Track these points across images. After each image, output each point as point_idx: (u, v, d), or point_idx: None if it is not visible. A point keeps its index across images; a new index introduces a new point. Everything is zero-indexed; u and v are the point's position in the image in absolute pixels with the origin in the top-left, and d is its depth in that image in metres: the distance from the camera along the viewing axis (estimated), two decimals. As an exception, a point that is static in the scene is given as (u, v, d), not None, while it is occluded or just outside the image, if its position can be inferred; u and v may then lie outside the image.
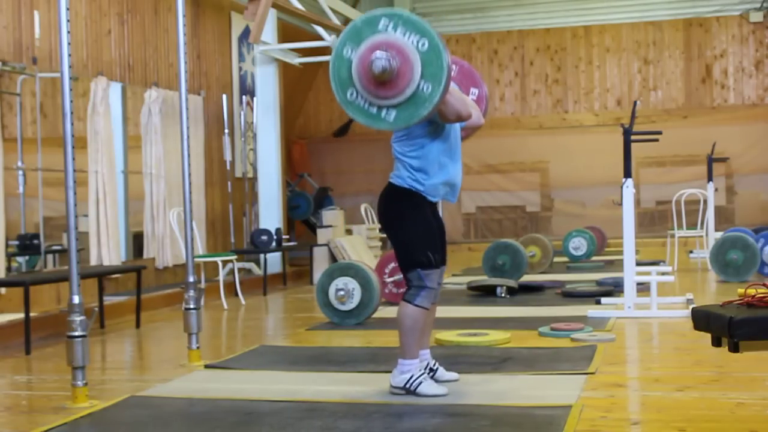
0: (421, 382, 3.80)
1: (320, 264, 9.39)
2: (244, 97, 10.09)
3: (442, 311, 6.66)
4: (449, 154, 3.83)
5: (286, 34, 10.89)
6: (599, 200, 13.81)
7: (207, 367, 4.69)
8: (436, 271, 3.83)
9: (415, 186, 3.78)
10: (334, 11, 10.34)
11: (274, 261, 9.71)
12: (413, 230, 3.80)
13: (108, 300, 6.83)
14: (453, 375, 4.07)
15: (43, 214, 6.89)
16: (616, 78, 14.30)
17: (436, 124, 3.76)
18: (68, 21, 3.84)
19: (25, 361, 5.19)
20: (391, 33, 3.42)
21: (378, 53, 3.38)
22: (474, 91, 4.31)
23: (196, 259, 7.16)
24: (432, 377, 3.97)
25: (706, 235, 9.79)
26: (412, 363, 3.82)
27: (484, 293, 7.50)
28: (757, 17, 13.78)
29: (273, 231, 9.20)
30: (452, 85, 3.71)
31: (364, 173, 13.87)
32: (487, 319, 6.07)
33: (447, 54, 3.42)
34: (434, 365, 4.04)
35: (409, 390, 3.80)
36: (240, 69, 10.15)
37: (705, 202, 9.82)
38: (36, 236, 6.84)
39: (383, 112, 3.47)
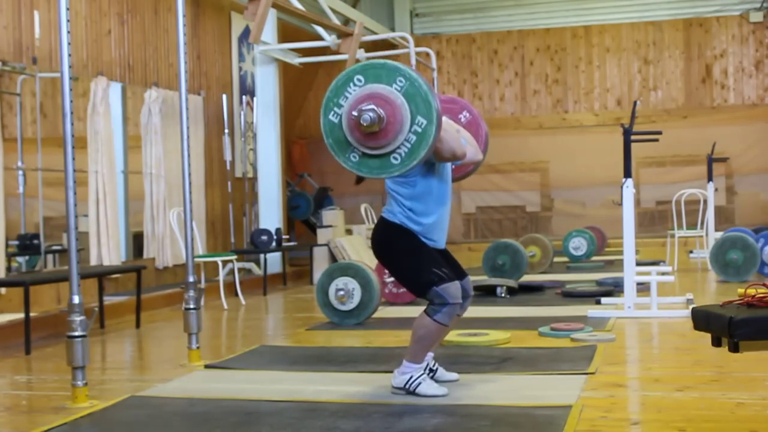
0: (420, 383, 3.80)
1: (320, 264, 9.39)
2: (244, 97, 10.08)
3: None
4: (440, 197, 3.85)
5: (286, 34, 10.88)
6: (599, 200, 13.81)
7: (207, 367, 4.69)
8: (454, 284, 3.78)
9: (407, 224, 3.81)
10: (334, 11, 10.33)
11: (274, 261, 9.71)
12: (411, 258, 3.82)
13: (108, 300, 6.83)
14: (453, 375, 4.07)
15: (43, 214, 6.89)
16: (616, 78, 14.30)
17: (428, 164, 3.78)
18: (68, 21, 3.85)
19: (25, 361, 5.19)
20: (368, 85, 3.42)
21: (363, 106, 3.38)
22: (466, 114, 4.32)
23: (196, 259, 7.16)
24: (432, 377, 3.97)
25: (706, 235, 9.79)
26: (416, 368, 3.84)
27: (484, 293, 7.50)
28: (757, 17, 13.78)
29: (273, 231, 9.20)
30: (445, 123, 3.72)
31: (364, 173, 13.85)
32: (487, 319, 6.07)
33: (426, 85, 3.41)
34: (434, 365, 4.04)
35: (408, 390, 3.81)
36: (240, 69, 10.15)
37: (705, 202, 9.82)
38: (36, 236, 6.84)
39: (353, 155, 3.47)
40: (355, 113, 3.39)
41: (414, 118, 3.39)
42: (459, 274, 3.97)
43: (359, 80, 3.45)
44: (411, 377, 3.81)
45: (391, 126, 3.38)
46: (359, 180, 4.03)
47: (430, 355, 4.06)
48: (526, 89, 14.58)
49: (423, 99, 3.39)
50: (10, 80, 6.66)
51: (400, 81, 3.40)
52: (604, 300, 6.61)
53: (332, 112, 3.49)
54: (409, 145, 3.41)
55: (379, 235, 3.90)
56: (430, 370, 4.02)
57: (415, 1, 14.88)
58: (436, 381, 3.95)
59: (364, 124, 3.36)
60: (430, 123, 3.38)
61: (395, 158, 3.43)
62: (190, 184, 4.85)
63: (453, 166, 4.07)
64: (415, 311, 6.52)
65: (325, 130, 3.51)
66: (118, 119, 8.02)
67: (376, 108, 3.37)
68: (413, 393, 3.80)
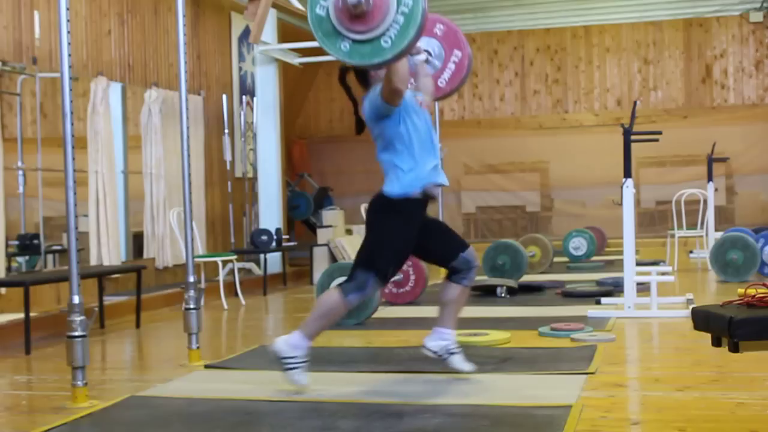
0: (295, 368, 3.86)
1: (320, 264, 9.39)
2: (244, 97, 10.09)
3: (442, 311, 6.67)
4: (427, 146, 3.90)
5: (286, 34, 10.88)
6: (599, 200, 13.81)
7: (207, 367, 4.69)
8: (381, 285, 3.90)
9: (405, 183, 3.82)
10: (334, 11, 10.32)
11: (274, 261, 9.71)
12: (391, 239, 3.86)
13: (108, 300, 6.83)
14: (469, 366, 4.08)
15: (43, 214, 6.89)
16: (616, 78, 14.30)
17: (405, 123, 3.82)
18: (68, 21, 3.84)
19: (25, 361, 5.19)
20: None
21: None
22: (457, 53, 4.37)
23: (196, 259, 7.16)
24: (446, 358, 4.04)
25: (706, 235, 9.79)
26: (305, 344, 3.88)
27: (484, 293, 7.50)
28: (757, 17, 13.78)
29: (273, 231, 9.20)
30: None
31: (364, 173, 13.85)
32: (487, 319, 6.07)
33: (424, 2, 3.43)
34: (455, 349, 4.07)
35: (282, 364, 3.86)
36: (240, 69, 10.15)
37: (705, 202, 9.82)
38: (36, 236, 6.84)
39: (343, 44, 3.46)
40: (344, 2, 3.37)
41: (392, 22, 3.39)
42: (460, 245, 4.03)
43: None
44: (293, 358, 3.86)
45: (378, 7, 3.37)
46: (360, 129, 4.05)
47: (453, 335, 4.07)
48: (526, 89, 14.58)
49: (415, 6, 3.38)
50: (10, 80, 6.66)
51: None
52: (604, 300, 6.61)
53: (318, 5, 3.47)
54: (398, 27, 3.39)
55: (374, 204, 3.94)
56: (450, 352, 4.04)
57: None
58: (449, 365, 4.00)
59: (351, 4, 3.35)
60: (416, 2, 3.38)
61: (386, 41, 3.41)
62: (190, 184, 4.85)
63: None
64: (416, 311, 6.56)
65: (313, 25, 3.49)
66: (118, 119, 8.02)
67: None
68: (284, 372, 3.86)
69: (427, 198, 3.94)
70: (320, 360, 4.78)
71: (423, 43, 4.28)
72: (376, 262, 3.84)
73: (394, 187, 3.86)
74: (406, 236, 3.89)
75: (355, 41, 3.44)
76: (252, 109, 10.30)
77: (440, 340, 4.08)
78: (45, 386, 4.46)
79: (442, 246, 4.05)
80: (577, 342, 5.02)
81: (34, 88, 6.83)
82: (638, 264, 7.49)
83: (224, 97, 9.65)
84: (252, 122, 10.26)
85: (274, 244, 9.04)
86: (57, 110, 6.81)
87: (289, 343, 3.89)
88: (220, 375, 4.51)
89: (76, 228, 3.88)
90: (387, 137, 3.88)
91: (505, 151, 14.40)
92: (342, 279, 6.02)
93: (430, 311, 6.60)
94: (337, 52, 3.49)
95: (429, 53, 4.39)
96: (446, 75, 4.43)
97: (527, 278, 8.43)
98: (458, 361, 4.07)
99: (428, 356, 4.10)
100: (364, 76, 3.95)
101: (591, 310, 6.14)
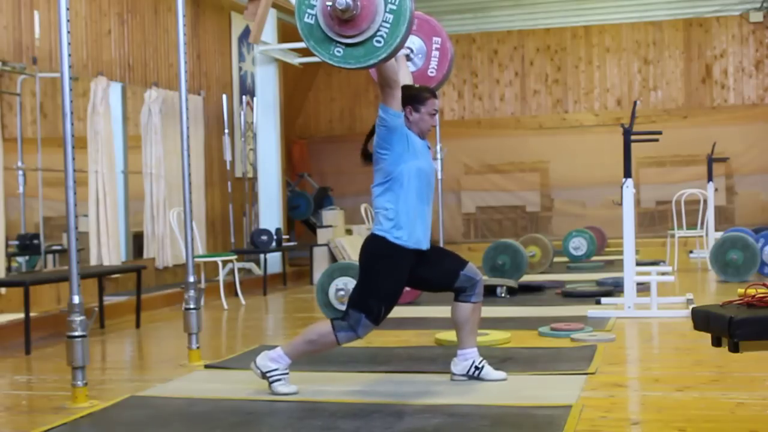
0: (278, 380, 3.90)
1: (320, 264, 9.39)
2: (244, 97, 10.09)
3: (443, 311, 6.65)
4: (422, 197, 3.90)
5: (286, 34, 10.88)
6: (599, 200, 13.80)
7: (207, 367, 4.69)
8: (373, 327, 3.87)
9: (397, 237, 3.83)
10: (334, 11, 10.32)
11: (274, 261, 9.71)
12: (383, 281, 3.85)
13: (108, 300, 6.83)
14: (500, 374, 4.07)
15: (43, 214, 6.90)
16: (616, 78, 14.30)
17: (408, 167, 3.82)
18: (68, 21, 3.84)
19: (25, 361, 5.19)
20: None
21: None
22: (436, 40, 4.42)
23: (196, 259, 7.16)
24: (478, 375, 4.02)
25: (706, 235, 9.79)
26: (284, 360, 3.91)
27: (484, 293, 7.48)
28: (757, 17, 13.78)
29: (273, 231, 9.20)
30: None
31: (364, 173, 13.75)
32: (487, 319, 6.05)
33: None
34: (480, 363, 4.06)
35: (264, 378, 3.91)
36: (240, 69, 10.15)
37: (705, 202, 9.82)
38: (36, 236, 6.84)
39: (336, 49, 3.47)
40: (329, 2, 3.37)
41: (381, 23, 3.39)
42: (458, 264, 4.02)
43: None
44: (276, 370, 3.89)
45: (366, 9, 3.37)
46: (366, 157, 4.05)
47: (477, 352, 4.07)
48: (526, 89, 14.58)
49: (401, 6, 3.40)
50: (10, 80, 6.66)
51: None
52: (604, 300, 6.61)
53: (306, 14, 3.48)
54: (388, 25, 3.40)
55: (368, 245, 3.92)
56: (476, 368, 4.04)
57: (415, 1, 14.84)
58: (481, 379, 4.00)
59: (340, 9, 3.34)
60: (395, 29, 3.39)
61: (378, 41, 3.41)
62: (190, 184, 4.85)
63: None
64: (416, 311, 6.56)
65: (304, 34, 3.50)
66: (118, 119, 8.02)
67: None
68: (269, 385, 3.90)
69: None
70: (320, 360, 4.78)
71: None
72: (368, 303, 3.82)
73: (385, 232, 3.85)
74: (397, 277, 3.87)
75: (347, 45, 3.45)
76: (252, 109, 10.30)
77: (464, 361, 4.07)
78: (45, 386, 4.46)
79: (441, 273, 4.03)
80: (577, 342, 5.02)
81: (34, 88, 6.83)
82: (638, 264, 7.49)
83: (224, 97, 9.65)
84: (252, 122, 10.26)
85: (274, 244, 9.04)
86: (57, 110, 6.82)
87: (270, 356, 3.93)
88: (220, 375, 4.51)
89: (76, 228, 3.88)
90: (385, 173, 3.85)
91: (505, 151, 14.40)
92: (342, 279, 6.06)
93: (430, 311, 6.62)
94: (332, 59, 3.49)
95: (410, 50, 4.42)
96: (434, 63, 4.47)
97: (527, 278, 8.43)
98: (489, 374, 4.06)
99: (455, 376, 4.07)
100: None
101: (591, 310, 6.14)
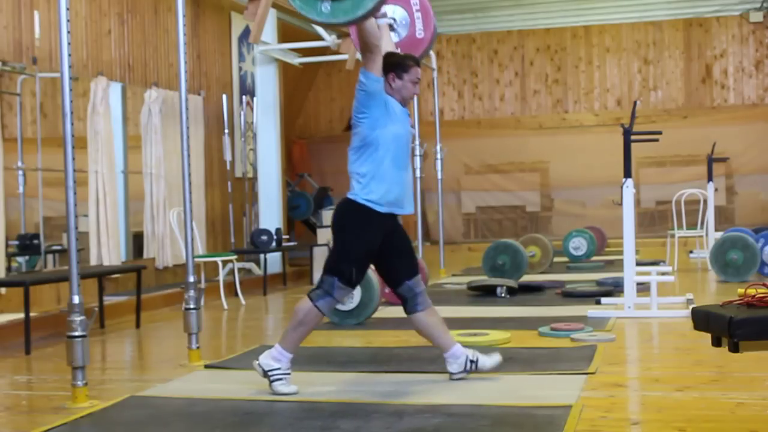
0: (279, 379, 3.90)
1: (320, 264, 9.37)
2: (244, 97, 10.09)
3: (442, 311, 6.65)
4: (399, 164, 3.94)
5: (286, 34, 10.88)
6: (599, 200, 13.81)
7: (207, 367, 4.69)
8: (349, 289, 3.93)
9: (368, 198, 3.87)
10: (334, 11, 10.31)
11: (274, 261, 9.71)
12: (353, 244, 3.91)
13: (108, 300, 6.83)
14: (495, 358, 4.09)
15: (43, 214, 6.90)
16: (616, 78, 14.30)
17: (384, 132, 3.86)
18: (68, 21, 3.84)
19: (25, 361, 5.19)
20: None
21: None
22: (414, 1, 4.44)
23: (196, 259, 7.16)
24: (475, 368, 4.04)
25: (706, 235, 9.79)
26: (285, 355, 3.93)
27: (484, 293, 7.50)
28: (757, 17, 13.78)
29: (273, 231, 9.20)
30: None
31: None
32: (487, 319, 6.07)
33: None
34: (473, 356, 4.08)
35: (266, 376, 3.91)
36: (240, 69, 10.15)
37: (705, 202, 9.82)
38: (36, 236, 6.84)
39: (323, 5, 3.46)
40: None
41: None
42: (408, 272, 4.05)
43: None
44: (277, 369, 3.90)
45: None
46: (350, 125, 4.09)
47: (461, 347, 4.08)
48: (526, 89, 14.58)
49: None
50: (10, 80, 6.67)
51: None
52: (604, 300, 6.61)
53: None
54: None
55: (339, 209, 3.99)
56: (471, 361, 4.06)
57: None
58: (480, 371, 4.04)
59: None
60: None
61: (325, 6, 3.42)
62: (190, 184, 4.85)
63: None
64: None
65: None
66: (118, 119, 8.02)
67: None
68: (270, 384, 3.90)
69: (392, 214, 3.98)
70: (320, 360, 4.78)
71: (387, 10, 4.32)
72: (339, 266, 3.89)
73: (355, 195, 3.91)
74: (368, 240, 3.92)
75: (334, 0, 3.43)
76: (252, 109, 10.30)
77: (457, 359, 4.08)
78: (45, 386, 4.46)
79: (392, 268, 4.06)
80: (577, 342, 5.03)
81: (34, 88, 6.83)
82: (638, 264, 7.48)
83: (224, 97, 9.65)
84: (252, 122, 10.26)
85: (274, 244, 9.04)
86: (57, 110, 6.81)
87: (272, 355, 3.95)
88: (220, 375, 4.51)
89: (76, 228, 3.88)
90: (361, 137, 3.91)
91: (505, 151, 14.41)
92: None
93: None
94: (320, 15, 3.49)
95: (393, 20, 4.43)
96: (419, 25, 4.49)
97: (527, 278, 8.43)
98: (485, 364, 4.07)
99: (454, 375, 4.07)
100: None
101: (591, 310, 6.14)
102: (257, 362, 3.96)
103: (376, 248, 3.96)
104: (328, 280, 3.89)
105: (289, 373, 3.94)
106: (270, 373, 3.91)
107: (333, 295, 3.89)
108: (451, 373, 4.09)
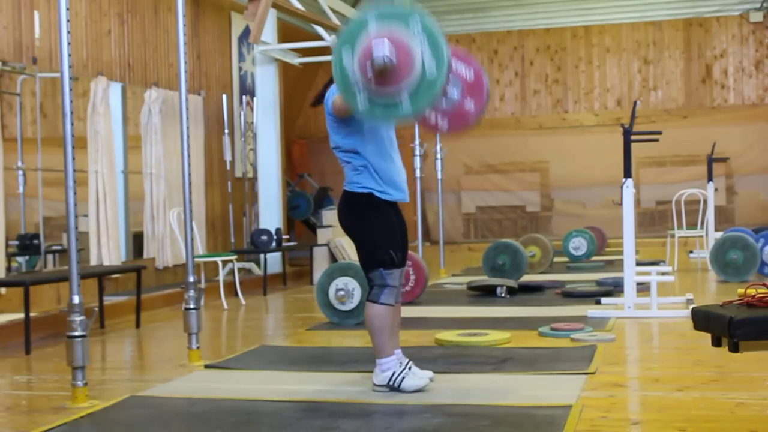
0: (404, 378, 3.83)
1: (320, 264, 9.38)
2: (244, 97, 10.09)
3: (443, 311, 6.68)
4: (384, 155, 3.90)
5: (286, 34, 10.88)
6: (599, 200, 13.81)
7: (207, 367, 4.69)
8: (398, 270, 3.88)
9: (369, 187, 3.86)
10: (334, 11, 10.34)
11: (274, 261, 9.70)
12: (375, 231, 3.87)
13: (108, 300, 6.83)
14: (427, 373, 3.99)
15: (43, 214, 6.90)
16: (616, 78, 14.30)
17: (359, 130, 3.86)
18: (68, 21, 3.84)
19: (25, 361, 5.19)
20: (378, 28, 3.41)
21: (374, 47, 3.34)
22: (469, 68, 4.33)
23: (196, 259, 7.16)
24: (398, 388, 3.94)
25: (706, 235, 9.79)
26: (390, 360, 3.86)
27: (484, 293, 7.50)
28: (757, 17, 13.78)
29: (273, 231, 9.20)
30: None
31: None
32: (487, 319, 6.07)
33: (438, 30, 3.44)
34: (408, 363, 4.00)
35: (392, 387, 3.82)
36: (240, 69, 10.15)
37: (705, 202, 9.82)
38: (36, 236, 6.84)
39: (401, 100, 3.44)
40: (369, 61, 3.35)
41: (424, 61, 3.37)
42: (404, 259, 4.00)
43: (373, 26, 3.42)
44: (393, 373, 3.83)
45: (401, 67, 3.35)
46: (317, 102, 4.07)
47: (402, 353, 4.00)
48: (526, 89, 14.58)
49: (434, 43, 3.37)
50: (10, 80, 6.66)
51: (414, 25, 3.39)
52: (604, 300, 6.61)
53: (346, 55, 3.46)
54: (418, 89, 3.38)
55: (345, 206, 3.94)
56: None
57: (415, 1, 14.85)
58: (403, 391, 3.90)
59: (376, 66, 3.33)
60: (440, 66, 3.36)
61: (403, 101, 3.41)
62: (190, 184, 4.85)
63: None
64: (416, 311, 6.55)
65: (336, 77, 3.50)
66: (118, 119, 8.02)
67: (388, 47, 3.32)
68: (398, 389, 3.81)
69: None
70: (320, 360, 4.78)
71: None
72: (376, 257, 3.84)
73: (354, 186, 3.89)
74: (386, 220, 3.89)
75: (373, 98, 3.44)
76: (252, 109, 10.30)
77: (381, 372, 3.91)
78: (45, 386, 4.46)
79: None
80: (577, 342, 5.02)
81: (34, 88, 6.83)
82: (638, 264, 7.49)
83: (224, 97, 9.65)
84: (252, 122, 10.26)
85: (274, 244, 9.04)
86: (57, 110, 6.82)
87: (380, 370, 3.86)
88: (220, 375, 4.51)
89: (76, 228, 3.88)
90: (343, 134, 3.92)
91: (505, 151, 14.41)
92: (342, 279, 6.06)
93: (430, 311, 6.63)
94: (357, 106, 3.50)
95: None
96: (469, 100, 4.34)
97: (527, 278, 8.43)
98: (416, 371, 3.92)
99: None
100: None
101: (591, 310, 6.14)
102: (375, 389, 3.85)
103: (394, 222, 3.93)
104: (374, 276, 3.84)
105: (404, 369, 3.84)
106: (393, 382, 3.82)
107: (389, 285, 3.83)
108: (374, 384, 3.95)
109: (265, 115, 10.32)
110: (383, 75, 3.37)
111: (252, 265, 9.71)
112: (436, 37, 3.39)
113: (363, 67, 3.40)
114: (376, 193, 3.86)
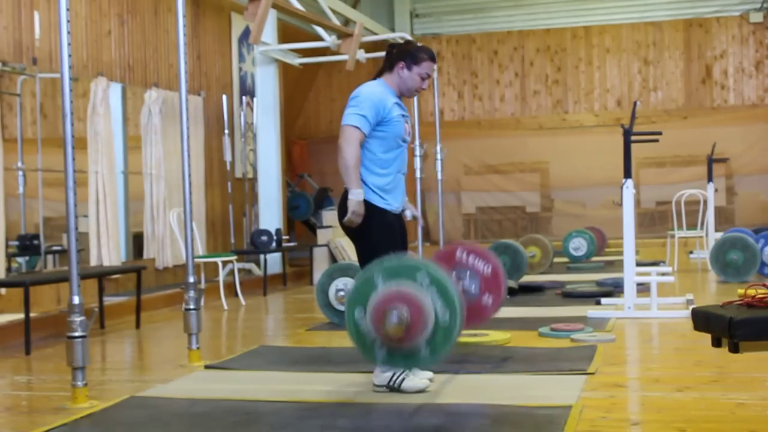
0: (404, 379, 3.82)
1: (320, 264, 9.39)
2: (244, 97, 10.09)
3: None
4: (400, 163, 3.99)
5: (286, 34, 10.88)
6: (599, 200, 13.81)
7: (207, 367, 4.69)
8: None
9: (374, 198, 3.88)
10: (334, 11, 10.33)
11: (274, 261, 9.71)
12: (376, 237, 3.88)
13: (108, 300, 6.83)
14: (427, 374, 4.00)
15: (43, 214, 6.90)
16: (616, 78, 14.30)
17: (390, 146, 3.90)
18: (68, 21, 3.84)
19: (25, 361, 5.19)
20: (386, 286, 3.44)
21: (389, 312, 3.37)
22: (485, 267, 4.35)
23: (196, 260, 7.16)
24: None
25: (706, 235, 9.79)
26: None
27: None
28: (757, 18, 13.79)
29: (273, 231, 9.20)
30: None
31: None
32: (487, 320, 6.06)
33: (447, 277, 3.46)
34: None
35: (393, 388, 3.82)
36: (240, 69, 10.15)
37: (705, 202, 9.82)
38: (36, 236, 6.84)
39: (420, 351, 3.48)
40: (383, 324, 3.39)
41: (437, 313, 3.40)
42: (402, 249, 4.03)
43: (380, 281, 3.46)
44: (394, 374, 3.83)
45: (416, 326, 3.38)
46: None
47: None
48: (526, 90, 14.58)
49: (444, 294, 3.40)
50: (10, 80, 6.67)
51: (422, 278, 3.41)
52: (604, 300, 6.61)
53: (357, 312, 3.52)
54: (435, 340, 3.43)
55: (343, 206, 3.91)
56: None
57: (415, 2, 14.88)
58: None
59: (391, 332, 3.38)
60: (453, 315, 3.40)
61: (422, 351, 3.46)
62: (190, 184, 4.85)
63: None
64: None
65: (351, 334, 3.59)
66: (118, 120, 8.02)
67: (400, 310, 3.36)
68: (398, 389, 3.81)
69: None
70: (320, 360, 4.78)
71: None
72: (376, 257, 3.81)
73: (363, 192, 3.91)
74: (387, 224, 3.91)
75: (392, 350, 3.49)
76: (252, 109, 10.31)
77: (381, 373, 3.94)
78: (45, 386, 4.46)
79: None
80: (577, 342, 5.02)
81: (34, 89, 6.83)
82: (638, 264, 7.49)
83: (224, 97, 9.65)
84: (252, 122, 10.26)
85: (274, 244, 9.04)
86: (57, 110, 6.82)
87: (381, 370, 3.84)
88: (220, 375, 4.51)
89: (76, 228, 3.88)
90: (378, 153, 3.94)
91: (505, 151, 14.41)
92: (342, 280, 6.06)
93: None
94: (374, 360, 3.59)
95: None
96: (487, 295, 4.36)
97: (527, 278, 8.43)
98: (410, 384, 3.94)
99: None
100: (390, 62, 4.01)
101: (591, 311, 6.14)
102: (375, 390, 3.86)
103: (397, 229, 3.96)
104: None
105: (404, 370, 3.83)
106: (393, 383, 3.82)
107: None
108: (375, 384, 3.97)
109: (265, 116, 10.32)
110: (399, 335, 3.39)
111: (252, 266, 9.71)
112: (446, 287, 3.41)
113: (378, 329, 3.43)
114: (383, 206, 3.91)
